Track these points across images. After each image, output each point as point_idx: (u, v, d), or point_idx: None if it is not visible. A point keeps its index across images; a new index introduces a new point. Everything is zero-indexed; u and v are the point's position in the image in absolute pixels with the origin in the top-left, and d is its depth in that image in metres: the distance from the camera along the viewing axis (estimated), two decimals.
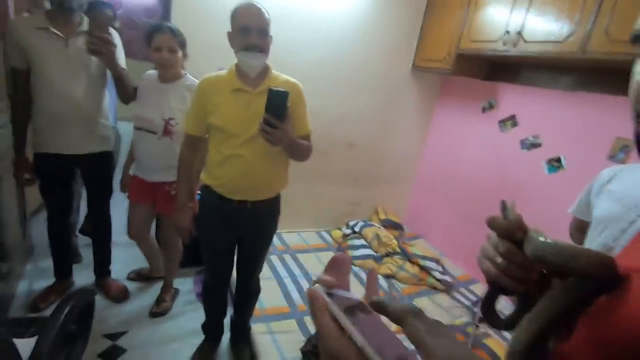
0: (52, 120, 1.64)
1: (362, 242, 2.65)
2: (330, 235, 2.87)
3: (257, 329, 1.79)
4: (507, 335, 1.91)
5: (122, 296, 2.06)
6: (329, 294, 0.32)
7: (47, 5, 1.65)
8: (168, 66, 1.71)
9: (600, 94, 1.86)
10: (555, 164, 2.09)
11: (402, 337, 0.30)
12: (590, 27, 1.60)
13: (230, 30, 1.33)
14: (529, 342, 0.35)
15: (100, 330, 1.81)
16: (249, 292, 1.70)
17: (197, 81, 1.57)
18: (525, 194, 2.23)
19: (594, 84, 1.89)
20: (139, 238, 2.05)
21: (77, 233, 2.35)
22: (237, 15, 1.28)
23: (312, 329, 1.82)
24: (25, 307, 1.86)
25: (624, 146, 1.76)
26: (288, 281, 2.20)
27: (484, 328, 1.94)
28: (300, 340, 1.74)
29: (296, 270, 2.33)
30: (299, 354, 1.65)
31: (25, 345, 0.99)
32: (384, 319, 0.31)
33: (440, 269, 2.43)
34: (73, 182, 1.88)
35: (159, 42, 1.65)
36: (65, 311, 1.04)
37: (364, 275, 2.38)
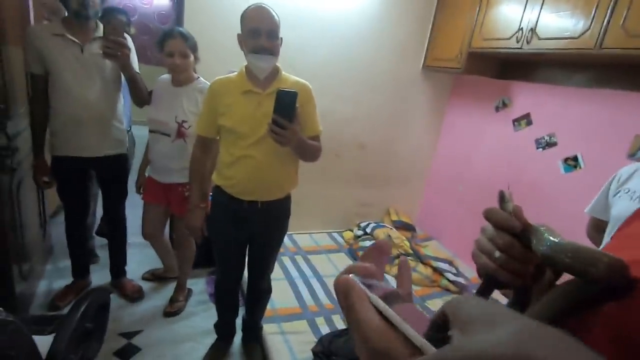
0: (69, 124, 1.69)
1: (373, 242, 2.63)
2: (342, 237, 2.86)
3: (268, 329, 1.80)
4: None
5: (137, 296, 2.10)
6: (365, 284, 0.28)
7: (65, 13, 1.70)
8: (180, 71, 1.74)
9: (618, 91, 1.80)
10: (571, 163, 2.04)
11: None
12: (606, 22, 1.55)
13: (240, 32, 1.34)
14: None
15: (116, 329, 1.85)
16: (260, 292, 1.71)
17: (208, 84, 1.60)
18: (540, 194, 2.18)
19: (610, 80, 1.84)
20: (153, 239, 2.08)
21: (93, 234, 2.41)
22: (247, 18, 1.30)
23: (325, 329, 1.82)
24: (44, 305, 1.92)
25: None
26: (299, 282, 2.21)
27: None
28: (311, 340, 1.74)
29: (307, 271, 2.33)
30: (310, 355, 1.65)
31: (44, 342, 1.02)
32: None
33: (454, 270, 2.40)
34: (90, 184, 1.93)
35: (171, 47, 1.68)
36: (82, 310, 1.07)
37: None
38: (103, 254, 2.26)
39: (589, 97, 1.96)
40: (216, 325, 1.80)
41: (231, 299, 1.73)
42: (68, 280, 2.03)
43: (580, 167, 2.00)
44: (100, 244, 2.41)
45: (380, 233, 2.67)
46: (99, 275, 2.17)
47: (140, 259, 2.41)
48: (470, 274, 2.50)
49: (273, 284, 1.76)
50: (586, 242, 1.01)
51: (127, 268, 2.18)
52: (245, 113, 1.35)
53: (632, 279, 0.32)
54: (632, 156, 1.75)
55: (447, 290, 2.30)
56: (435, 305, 2.14)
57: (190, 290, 2.20)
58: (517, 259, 0.41)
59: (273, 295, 1.79)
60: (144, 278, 2.28)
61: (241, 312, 1.83)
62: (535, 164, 2.24)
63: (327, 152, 2.77)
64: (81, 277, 2.04)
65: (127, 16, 2.20)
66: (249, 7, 1.31)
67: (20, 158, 1.72)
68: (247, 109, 1.35)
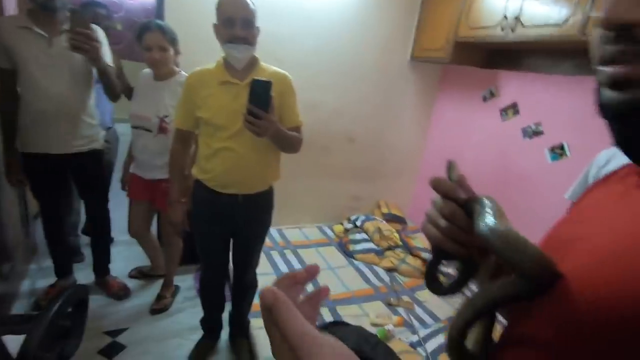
0: (37, 119, 1.63)
1: (363, 236, 2.63)
2: (332, 230, 2.85)
3: (256, 323, 1.79)
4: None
5: (122, 293, 2.07)
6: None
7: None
8: (160, 65, 1.70)
9: None
10: (558, 151, 2.03)
11: None
12: (589, 8, 1.54)
13: (215, 22, 1.31)
14: (462, 328, 0.36)
15: (101, 328, 1.83)
16: (245, 286, 1.69)
17: None
18: (528, 183, 2.18)
19: None
20: (139, 236, 2.06)
21: (79, 233, 2.38)
22: (221, 7, 1.27)
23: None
24: (28, 306, 1.89)
25: None
26: None
27: None
28: None
29: (297, 265, 2.32)
30: None
31: (15, 341, 1.00)
32: None
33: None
34: (65, 182, 1.86)
35: (149, 41, 1.65)
36: (55, 308, 1.04)
37: (365, 270, 2.36)
38: (89, 253, 2.22)
39: (574, 84, 1.94)
40: (202, 321, 1.79)
41: (216, 295, 1.71)
42: (52, 279, 2.00)
43: (566, 156, 1.99)
44: (86, 242, 2.37)
45: (370, 226, 2.65)
46: (85, 274, 2.14)
47: (128, 256, 2.38)
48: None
49: (261, 278, 1.75)
50: None
51: (114, 266, 2.16)
52: (223, 105, 1.32)
53: (555, 274, 0.32)
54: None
55: None
56: (424, 296, 2.14)
57: (177, 287, 2.18)
58: (461, 229, 0.41)
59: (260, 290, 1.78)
60: (130, 276, 2.26)
61: (228, 307, 1.81)
62: (523, 153, 2.23)
63: (315, 145, 2.79)
64: (64, 276, 2.01)
65: (107, 9, 2.15)
66: None
67: None
68: (224, 100, 1.32)
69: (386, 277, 2.30)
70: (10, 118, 1.65)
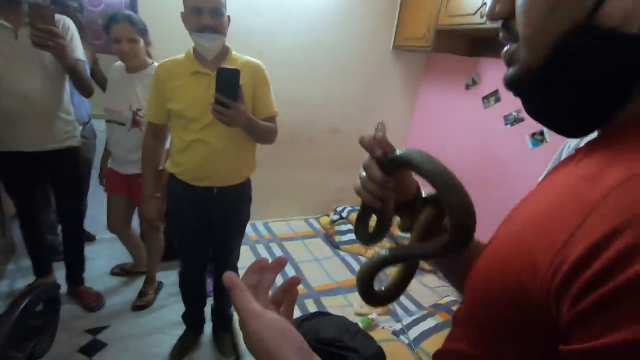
0: (6, 117, 1.55)
1: (349, 227, 2.62)
2: (319, 222, 2.84)
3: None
4: None
5: (95, 305, 1.94)
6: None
7: None
8: (129, 57, 1.66)
9: None
10: (538, 137, 2.03)
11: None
12: None
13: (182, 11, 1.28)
14: (368, 273, 0.46)
15: (83, 326, 1.80)
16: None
17: None
18: (509, 169, 2.19)
19: None
20: (118, 231, 2.03)
21: (58, 232, 2.33)
22: None
23: (297, 314, 1.80)
24: (6, 306, 1.85)
25: None
26: None
27: None
28: None
29: None
30: None
31: None
32: None
33: None
34: (41, 180, 1.80)
35: (117, 33, 1.60)
36: (21, 307, 1.02)
37: (350, 261, 2.36)
38: None
39: None
40: (184, 316, 1.77)
41: (197, 289, 1.70)
42: (31, 279, 1.97)
43: (546, 142, 2.00)
44: None
45: (355, 216, 2.65)
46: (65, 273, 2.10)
47: (110, 254, 2.35)
48: None
49: (244, 272, 1.72)
50: None
51: (96, 264, 2.12)
52: (194, 96, 1.29)
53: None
54: None
55: (421, 269, 2.30)
56: (410, 284, 2.14)
57: (160, 283, 2.16)
58: (376, 182, 0.46)
59: None
60: (113, 273, 2.23)
61: (210, 301, 1.80)
62: (505, 140, 2.23)
63: (300, 138, 2.77)
64: (43, 275, 1.96)
65: (78, 2, 2.09)
66: None
67: None
68: (196, 91, 1.29)
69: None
70: None
